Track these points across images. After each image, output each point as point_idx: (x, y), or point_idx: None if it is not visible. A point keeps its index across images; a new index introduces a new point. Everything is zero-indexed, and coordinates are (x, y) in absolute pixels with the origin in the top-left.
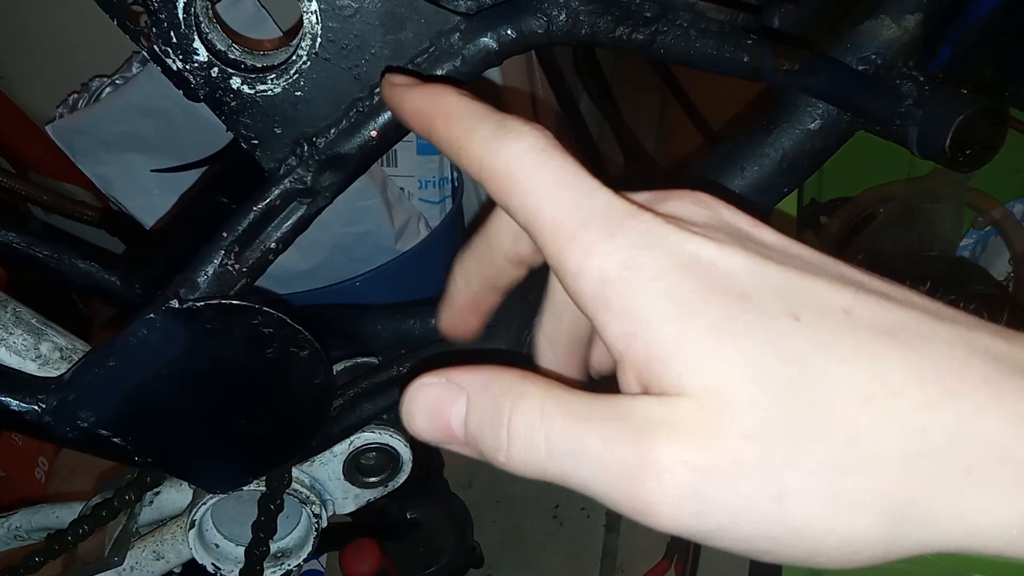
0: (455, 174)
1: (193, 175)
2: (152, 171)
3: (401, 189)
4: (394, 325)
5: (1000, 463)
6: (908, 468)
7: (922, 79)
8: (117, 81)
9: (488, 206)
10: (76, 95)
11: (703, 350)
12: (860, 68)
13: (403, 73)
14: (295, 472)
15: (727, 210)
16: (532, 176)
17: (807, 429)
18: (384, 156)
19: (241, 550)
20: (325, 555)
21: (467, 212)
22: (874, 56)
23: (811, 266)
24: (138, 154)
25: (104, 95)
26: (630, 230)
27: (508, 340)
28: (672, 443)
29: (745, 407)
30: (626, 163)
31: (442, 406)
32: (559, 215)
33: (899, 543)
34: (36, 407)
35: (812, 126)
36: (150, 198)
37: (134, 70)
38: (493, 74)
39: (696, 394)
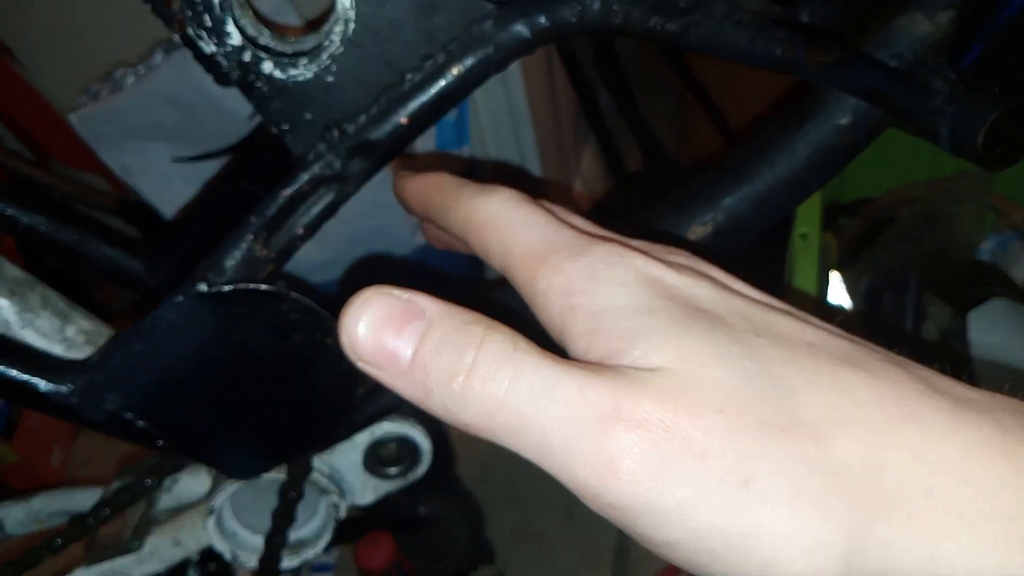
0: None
1: (214, 165)
2: (173, 159)
3: None
4: None
5: (964, 486)
6: (872, 480)
7: (954, 76)
8: (140, 70)
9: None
10: (98, 84)
11: (670, 332)
12: (892, 64)
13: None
14: (315, 462)
15: (702, 262)
16: (507, 219)
17: (775, 419)
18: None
19: (259, 539)
20: (336, 550)
21: None
22: (906, 52)
23: (776, 307)
24: (160, 144)
25: (127, 85)
26: (596, 251)
27: None
28: (649, 399)
29: (716, 383)
30: (645, 160)
31: (395, 319)
32: (530, 246)
33: (858, 567)
34: (63, 388)
35: (843, 121)
36: (171, 188)
37: (157, 59)
38: (513, 69)
39: (667, 367)
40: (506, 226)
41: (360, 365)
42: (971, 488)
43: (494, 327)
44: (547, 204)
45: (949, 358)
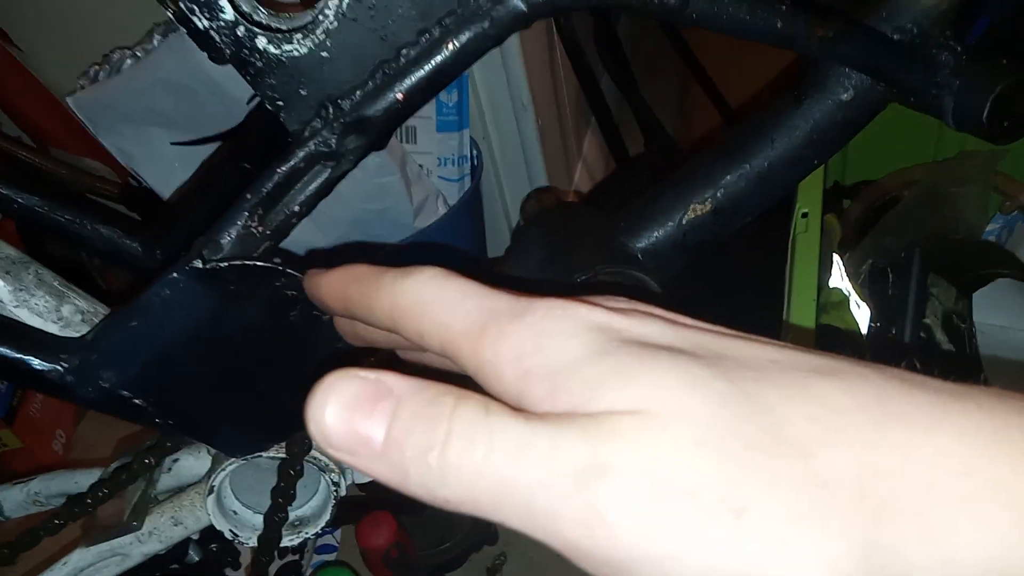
0: (475, 152)
1: (214, 148)
2: (173, 144)
3: (420, 167)
4: None
5: (962, 476)
6: (867, 488)
7: (959, 49)
8: (138, 54)
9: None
10: (97, 68)
11: (634, 371)
12: (895, 37)
13: None
14: None
15: (643, 304)
16: (437, 297)
17: (757, 440)
18: (404, 132)
19: (259, 518)
20: (339, 530)
21: (486, 191)
22: (910, 25)
23: (730, 334)
24: (159, 127)
25: (125, 68)
26: (537, 309)
27: None
28: (624, 445)
29: (690, 414)
30: (646, 144)
31: (364, 402)
32: (467, 318)
33: None
34: (59, 367)
35: (844, 97)
36: (170, 171)
37: (155, 42)
38: (514, 55)
39: (638, 408)
40: (438, 305)
41: (333, 453)
42: (972, 479)
43: (465, 396)
44: (472, 278)
45: (954, 340)
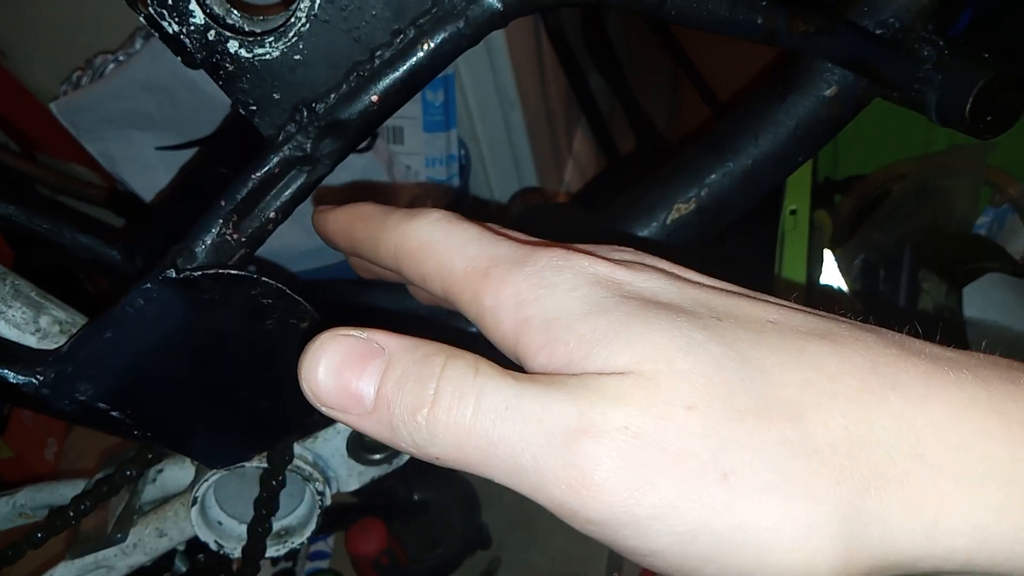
0: (462, 152)
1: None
2: (157, 148)
3: (407, 167)
4: (397, 300)
5: (955, 448)
6: (857, 455)
7: (942, 43)
8: (120, 57)
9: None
10: (80, 72)
11: (631, 331)
12: (878, 32)
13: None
14: (298, 449)
15: (649, 256)
16: (442, 240)
17: (749, 404)
18: (390, 133)
19: (244, 528)
20: (332, 536)
21: (474, 191)
22: (892, 20)
23: (732, 291)
24: (141, 131)
25: (107, 72)
26: (540, 258)
27: None
28: (614, 407)
29: (683, 377)
30: (637, 141)
31: (355, 360)
32: (470, 263)
33: (857, 548)
34: (34, 379)
35: (828, 92)
36: (154, 176)
37: (137, 46)
38: (500, 49)
39: (631, 369)
40: (442, 248)
41: (325, 411)
42: (963, 450)
43: (455, 355)
44: (480, 221)
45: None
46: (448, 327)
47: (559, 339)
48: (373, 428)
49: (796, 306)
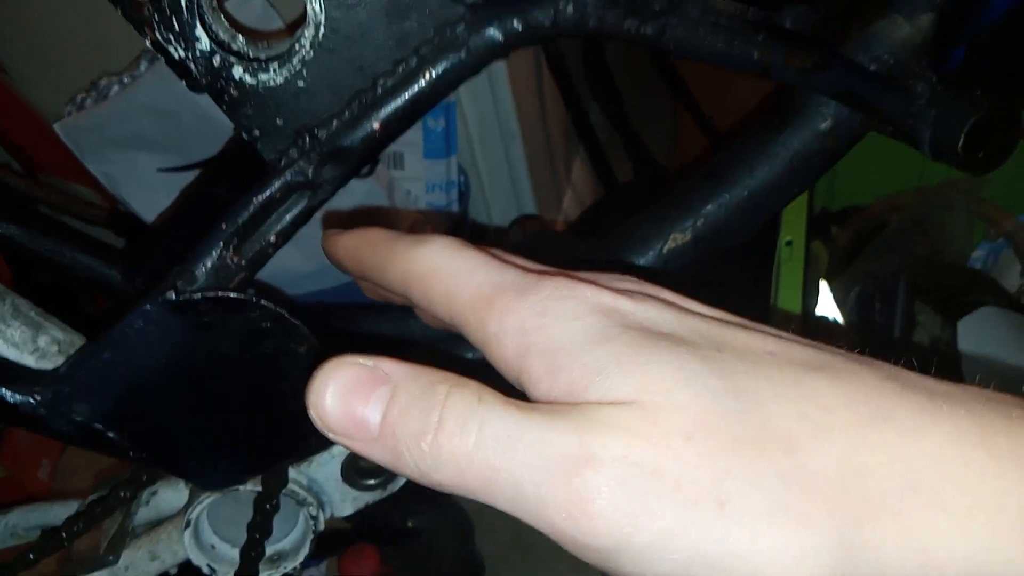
0: (462, 178)
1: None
2: (159, 170)
3: (408, 192)
4: (396, 325)
5: (947, 481)
6: (851, 485)
7: (935, 79)
8: (125, 79)
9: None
10: (84, 94)
11: (631, 363)
12: (873, 67)
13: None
14: (292, 473)
15: (651, 286)
16: (448, 267)
17: (745, 435)
18: (391, 159)
19: (237, 552)
20: (325, 562)
21: (473, 217)
22: (887, 56)
23: (732, 322)
24: (145, 153)
25: (112, 94)
26: (544, 287)
27: None
28: (614, 437)
29: (682, 408)
30: (635, 170)
31: (361, 388)
32: (475, 290)
33: (851, 573)
34: (31, 399)
35: (823, 126)
36: (156, 198)
37: (142, 68)
38: (501, 77)
39: (631, 399)
40: (448, 274)
41: (332, 437)
42: (953, 482)
43: (459, 383)
44: (486, 248)
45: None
46: (451, 354)
47: (562, 368)
48: (378, 454)
49: (794, 337)
